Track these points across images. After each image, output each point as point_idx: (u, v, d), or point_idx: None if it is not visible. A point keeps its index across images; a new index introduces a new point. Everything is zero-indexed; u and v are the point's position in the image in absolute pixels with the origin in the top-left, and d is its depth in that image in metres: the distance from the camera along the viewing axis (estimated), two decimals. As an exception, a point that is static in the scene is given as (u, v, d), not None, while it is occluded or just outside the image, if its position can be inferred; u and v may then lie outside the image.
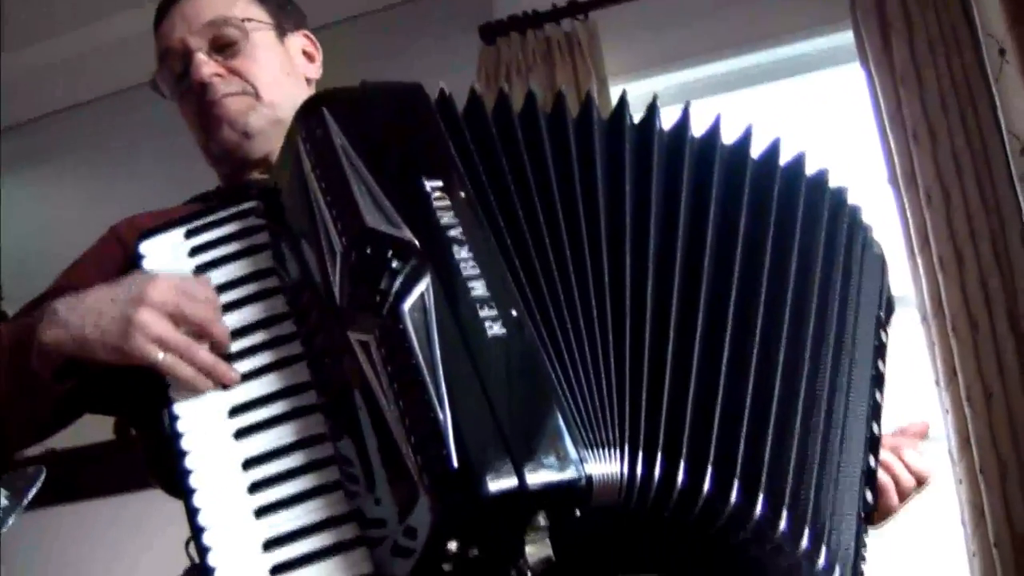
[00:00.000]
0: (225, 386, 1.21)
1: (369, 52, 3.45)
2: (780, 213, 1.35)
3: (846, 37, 3.20)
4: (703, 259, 1.26)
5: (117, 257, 1.45)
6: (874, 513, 1.35)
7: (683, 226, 1.28)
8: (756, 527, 1.12)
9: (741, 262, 1.28)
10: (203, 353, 1.21)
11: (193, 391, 1.21)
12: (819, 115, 3.40)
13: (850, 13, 3.15)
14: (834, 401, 1.28)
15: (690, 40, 3.38)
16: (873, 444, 1.34)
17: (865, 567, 1.28)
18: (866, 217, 1.48)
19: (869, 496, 1.30)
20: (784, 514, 1.14)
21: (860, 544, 1.26)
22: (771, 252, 1.31)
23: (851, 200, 1.46)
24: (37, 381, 1.25)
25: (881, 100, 3.08)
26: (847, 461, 1.28)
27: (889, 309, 1.50)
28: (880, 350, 1.42)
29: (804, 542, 1.15)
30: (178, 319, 1.21)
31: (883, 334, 1.44)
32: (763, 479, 1.14)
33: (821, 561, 1.16)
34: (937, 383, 2.91)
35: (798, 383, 1.25)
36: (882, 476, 1.38)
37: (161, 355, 1.20)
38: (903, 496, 1.42)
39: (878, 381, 1.40)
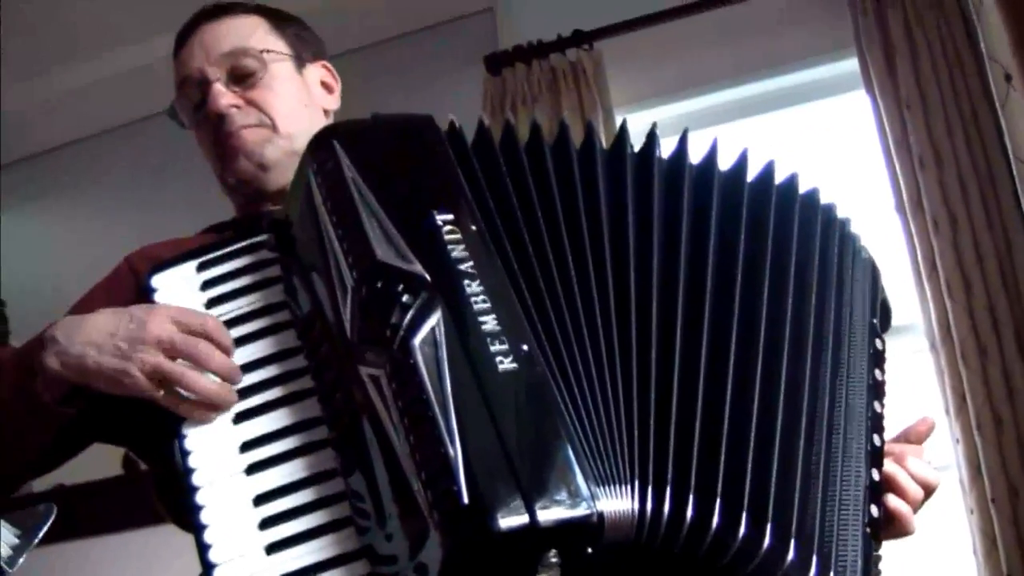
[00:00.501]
0: (238, 417, 1.21)
1: (375, 83, 3.46)
2: (776, 232, 1.35)
3: (851, 64, 3.21)
4: (705, 283, 1.26)
5: (130, 287, 1.45)
6: (887, 529, 1.34)
7: (684, 251, 1.28)
8: (764, 559, 1.12)
9: (742, 284, 1.28)
10: (202, 382, 1.20)
11: (199, 417, 1.20)
12: (825, 142, 3.41)
13: (854, 40, 3.16)
14: (834, 418, 1.28)
15: (695, 69, 3.40)
16: (875, 457, 1.33)
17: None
18: (855, 227, 1.48)
19: (875, 511, 1.28)
20: (792, 544, 1.13)
21: (869, 563, 1.25)
22: (770, 272, 1.31)
23: (840, 214, 1.46)
24: (42, 404, 1.25)
25: (887, 126, 3.08)
26: (849, 479, 1.27)
27: (885, 314, 1.49)
28: (876, 358, 1.41)
29: (812, 571, 1.14)
30: (175, 355, 1.20)
31: (878, 341, 1.43)
32: (770, 509, 1.13)
33: None
34: (947, 412, 2.89)
35: (800, 404, 1.24)
36: (896, 502, 1.36)
37: (160, 392, 1.20)
38: (912, 507, 1.40)
39: (876, 391, 1.39)
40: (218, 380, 1.21)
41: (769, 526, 1.12)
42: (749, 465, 1.15)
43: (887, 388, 1.42)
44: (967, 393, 2.85)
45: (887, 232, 3.06)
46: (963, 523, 2.86)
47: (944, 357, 2.91)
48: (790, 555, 1.12)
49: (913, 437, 1.46)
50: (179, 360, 1.20)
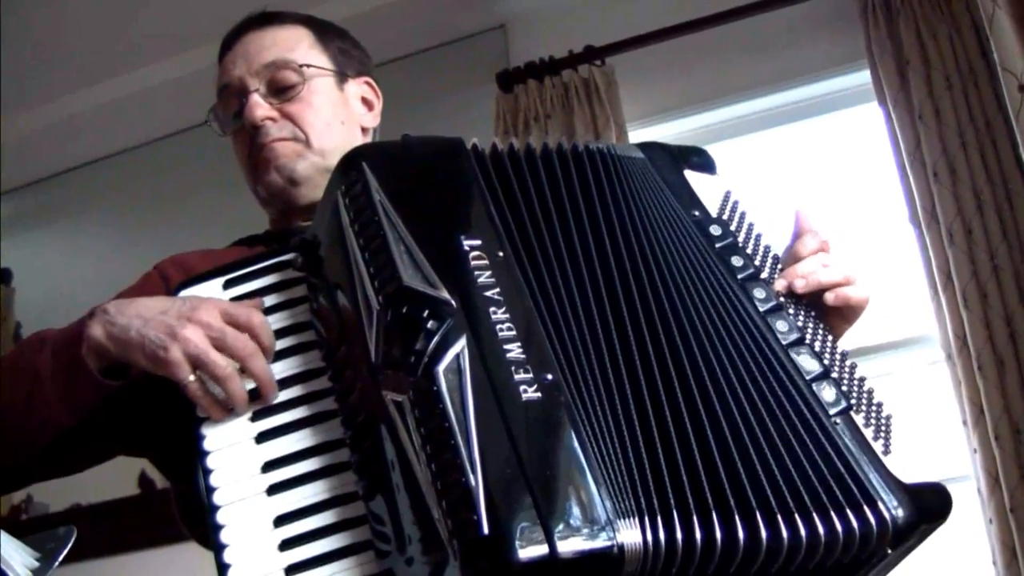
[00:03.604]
0: (254, 416, 1.22)
1: (387, 101, 3.46)
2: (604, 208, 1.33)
3: (863, 76, 3.21)
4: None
5: (160, 294, 1.45)
6: (845, 320, 1.35)
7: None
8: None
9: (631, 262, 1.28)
10: (236, 383, 1.20)
11: (216, 417, 1.21)
12: (839, 155, 3.40)
13: (866, 52, 3.15)
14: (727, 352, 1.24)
15: (707, 84, 3.40)
16: (776, 308, 1.30)
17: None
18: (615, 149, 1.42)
19: (814, 353, 1.26)
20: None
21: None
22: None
23: (600, 145, 1.41)
24: (85, 370, 1.26)
25: (900, 138, 3.07)
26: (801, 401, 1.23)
27: (701, 164, 1.45)
28: (732, 247, 1.36)
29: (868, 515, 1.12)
30: (219, 346, 1.21)
31: (714, 227, 1.38)
32: (789, 502, 1.11)
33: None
34: (964, 422, 2.88)
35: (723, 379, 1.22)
36: (834, 297, 1.35)
37: (191, 377, 1.20)
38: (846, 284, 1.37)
39: (753, 276, 1.33)
40: (249, 386, 1.21)
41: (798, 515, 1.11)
42: (760, 469, 1.14)
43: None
44: (984, 403, 2.83)
45: (902, 244, 3.06)
46: (982, 534, 2.84)
47: (961, 368, 2.89)
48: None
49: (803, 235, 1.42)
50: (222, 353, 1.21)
